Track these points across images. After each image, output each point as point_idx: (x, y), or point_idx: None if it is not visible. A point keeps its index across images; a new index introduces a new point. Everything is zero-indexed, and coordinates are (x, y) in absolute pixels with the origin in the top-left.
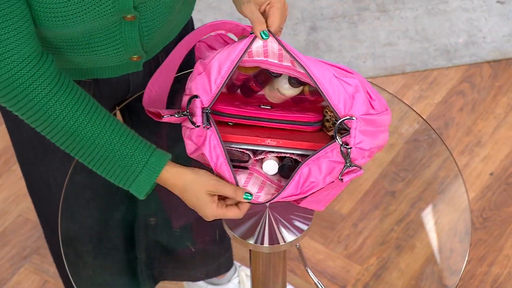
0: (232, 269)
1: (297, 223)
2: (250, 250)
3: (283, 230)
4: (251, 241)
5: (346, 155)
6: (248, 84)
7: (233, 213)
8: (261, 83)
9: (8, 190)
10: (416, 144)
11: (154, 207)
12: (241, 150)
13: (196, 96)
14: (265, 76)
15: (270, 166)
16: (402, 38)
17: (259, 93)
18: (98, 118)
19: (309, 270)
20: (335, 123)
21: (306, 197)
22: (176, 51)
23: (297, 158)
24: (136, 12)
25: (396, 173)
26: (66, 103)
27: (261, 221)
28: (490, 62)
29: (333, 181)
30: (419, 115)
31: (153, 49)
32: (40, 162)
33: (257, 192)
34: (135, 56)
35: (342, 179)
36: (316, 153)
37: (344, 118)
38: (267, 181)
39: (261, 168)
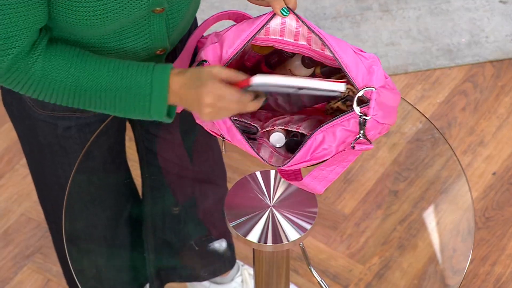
0: (235, 268)
1: (300, 222)
2: (253, 249)
3: (286, 229)
4: (255, 240)
5: (362, 125)
6: (259, 66)
7: (253, 104)
8: (272, 66)
9: (11, 189)
10: (419, 143)
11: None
12: (248, 123)
13: (205, 61)
14: (278, 57)
15: (278, 138)
16: (404, 38)
17: None
18: (92, 64)
19: (312, 269)
20: (343, 99)
21: (293, 174)
22: (190, 43)
23: (303, 132)
24: (166, 4)
25: (399, 172)
26: (59, 65)
27: (265, 220)
28: (493, 61)
29: (343, 150)
30: (422, 114)
31: (174, 41)
32: (58, 165)
33: (268, 159)
34: (160, 49)
35: (354, 147)
36: (333, 120)
37: (365, 88)
38: (275, 153)
39: (269, 140)
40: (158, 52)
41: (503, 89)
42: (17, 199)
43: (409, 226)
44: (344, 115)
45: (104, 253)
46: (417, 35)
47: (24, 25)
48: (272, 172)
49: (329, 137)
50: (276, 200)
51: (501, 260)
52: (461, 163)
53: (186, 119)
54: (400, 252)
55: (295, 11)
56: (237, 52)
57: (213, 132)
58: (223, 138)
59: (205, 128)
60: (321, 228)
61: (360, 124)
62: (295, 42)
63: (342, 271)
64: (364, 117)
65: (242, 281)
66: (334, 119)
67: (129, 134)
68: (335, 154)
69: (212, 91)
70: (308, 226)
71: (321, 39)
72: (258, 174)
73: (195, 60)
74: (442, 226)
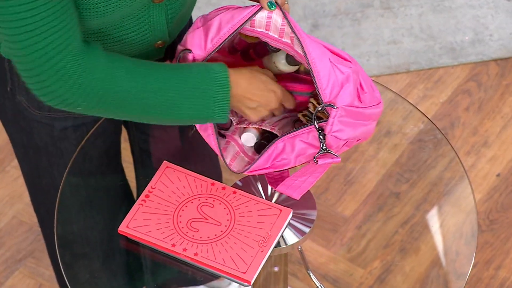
0: None
1: (299, 225)
2: None
3: (284, 232)
4: None
5: (322, 140)
6: (248, 51)
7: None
8: (258, 55)
9: (2, 191)
10: (421, 144)
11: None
12: None
13: (189, 50)
14: (263, 49)
15: (248, 138)
16: (406, 36)
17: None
18: (153, 68)
19: (311, 273)
20: (310, 115)
21: (281, 178)
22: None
23: (277, 133)
24: None
25: (401, 174)
26: (123, 68)
27: None
28: (497, 60)
29: (308, 162)
30: (424, 114)
31: (173, 33)
32: (54, 167)
33: (229, 162)
34: (159, 41)
35: (316, 161)
36: (294, 131)
37: (325, 105)
38: (241, 153)
39: (240, 137)
40: (157, 44)
41: (508, 88)
42: (8, 201)
43: (411, 228)
44: (304, 127)
45: (99, 257)
46: (419, 33)
47: (70, 11)
48: None
49: (288, 147)
50: (274, 202)
51: (505, 264)
52: (465, 164)
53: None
54: (402, 255)
55: (285, 9)
56: (221, 44)
57: None
58: (194, 127)
59: None
60: (320, 231)
61: (320, 138)
62: (279, 38)
63: (342, 275)
64: (320, 131)
65: (239, 286)
66: (294, 130)
67: (123, 135)
68: (296, 165)
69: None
70: (306, 230)
71: (300, 43)
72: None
73: (180, 44)
74: (445, 228)
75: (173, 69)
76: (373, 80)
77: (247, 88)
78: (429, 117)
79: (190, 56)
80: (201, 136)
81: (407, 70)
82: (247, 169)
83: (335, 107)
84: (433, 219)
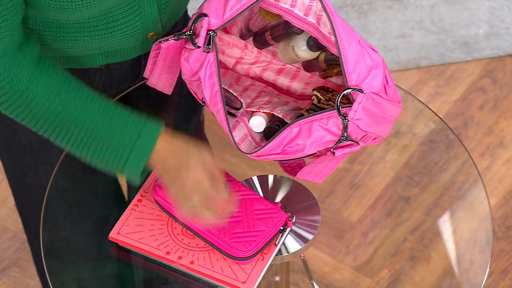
0: None
1: (301, 232)
2: None
3: (286, 239)
4: None
5: (344, 127)
6: (263, 33)
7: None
8: (276, 38)
9: None
10: (432, 145)
11: None
12: (236, 95)
13: (205, 15)
14: (283, 31)
15: (258, 122)
16: (416, 29)
17: (270, 49)
18: (83, 96)
19: (314, 283)
20: (316, 109)
21: (298, 166)
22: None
23: (288, 121)
24: None
25: (410, 177)
26: (47, 84)
27: None
28: None
29: (325, 154)
30: (435, 113)
31: (167, 24)
32: (39, 166)
33: (238, 141)
34: (151, 33)
35: (334, 152)
36: (312, 115)
37: (352, 88)
38: (249, 136)
39: (249, 121)
40: (150, 36)
41: None
42: None
43: (421, 235)
44: (324, 112)
45: (87, 265)
46: (430, 26)
47: (3, 17)
48: (270, 177)
49: (305, 132)
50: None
51: None
52: (479, 166)
53: (177, 118)
54: (412, 264)
55: None
56: (241, 12)
57: (195, 93)
58: (204, 102)
59: (190, 88)
60: (324, 238)
61: (343, 124)
62: (304, 17)
63: (348, 285)
64: (342, 116)
65: None
66: (313, 115)
67: None
68: (310, 153)
69: (197, 178)
70: (310, 236)
71: (330, 21)
72: (255, 179)
73: (197, 11)
74: (457, 235)
75: (104, 104)
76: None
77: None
78: (441, 116)
79: (205, 22)
80: (201, 139)
81: (417, 66)
82: (257, 151)
83: (362, 91)
84: (445, 225)
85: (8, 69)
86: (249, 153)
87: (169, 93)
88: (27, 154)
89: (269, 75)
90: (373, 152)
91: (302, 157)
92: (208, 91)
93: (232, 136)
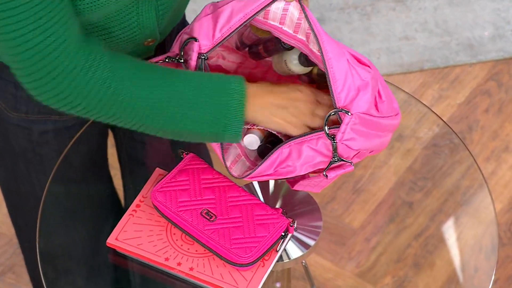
0: None
1: (303, 238)
2: None
3: (287, 245)
4: None
5: (334, 149)
6: (257, 47)
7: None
8: (268, 52)
9: None
10: (436, 149)
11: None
12: None
13: (195, 39)
14: (274, 46)
15: (252, 140)
16: (420, 31)
17: (267, 59)
18: (162, 71)
19: None
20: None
21: (295, 179)
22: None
23: (282, 138)
24: None
25: (414, 182)
26: (127, 69)
27: None
28: None
29: (314, 172)
30: (439, 117)
31: (164, 30)
32: (33, 174)
33: (230, 165)
34: (149, 39)
35: (326, 175)
36: (302, 136)
37: (338, 110)
38: (243, 156)
39: (243, 140)
40: (147, 42)
41: None
42: None
43: (425, 241)
44: (313, 133)
45: (84, 272)
46: (434, 28)
47: (61, 6)
48: (271, 182)
49: (295, 153)
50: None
51: None
52: (484, 171)
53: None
54: (416, 271)
55: (303, 3)
56: (231, 33)
57: None
58: None
59: None
60: (326, 244)
61: (332, 146)
62: (294, 34)
63: None
64: (330, 138)
65: None
66: (302, 136)
67: (111, 140)
68: (301, 174)
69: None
70: (311, 242)
71: (317, 40)
72: (255, 184)
73: (184, 32)
74: (462, 242)
75: (185, 75)
76: (383, 80)
77: (267, 95)
78: (445, 120)
79: (195, 46)
80: (198, 146)
81: (421, 69)
82: (249, 174)
83: (349, 113)
84: (450, 231)
85: (83, 63)
86: (241, 177)
87: None
88: (20, 163)
89: (272, 76)
90: (375, 156)
91: (295, 177)
92: None
93: (224, 160)
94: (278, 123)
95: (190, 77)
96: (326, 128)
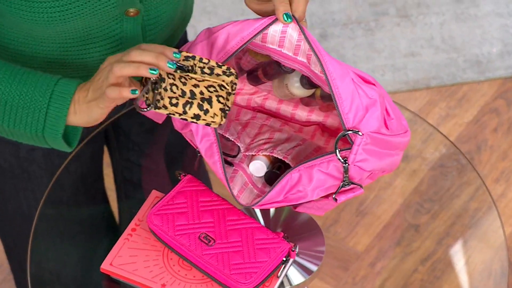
0: None
1: (305, 263)
2: None
3: (289, 271)
4: None
5: (345, 171)
6: (256, 72)
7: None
8: (268, 76)
9: None
10: (443, 170)
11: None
12: (233, 139)
13: None
14: (274, 69)
15: (258, 167)
16: (426, 48)
17: (266, 84)
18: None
19: None
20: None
21: (297, 205)
22: None
23: (290, 163)
24: (140, 6)
25: (420, 204)
26: None
27: None
28: None
29: (326, 197)
30: (446, 137)
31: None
32: (20, 192)
33: (237, 194)
34: (131, 9)
35: (336, 199)
36: (311, 160)
37: (348, 131)
38: (250, 184)
39: (248, 166)
40: (128, 13)
41: None
42: None
43: (432, 266)
44: (324, 156)
45: None
46: (440, 44)
47: None
48: None
49: (305, 178)
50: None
51: None
52: (493, 193)
53: (171, 147)
54: None
55: (302, 25)
56: (227, 59)
57: (190, 141)
58: (199, 152)
59: (185, 137)
60: (329, 269)
61: (344, 168)
62: (294, 57)
63: None
64: (342, 161)
65: None
66: (312, 160)
67: (107, 160)
68: (313, 199)
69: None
70: (314, 268)
71: (319, 61)
72: None
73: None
74: (471, 266)
75: (14, 71)
76: (390, 97)
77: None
78: (452, 140)
79: None
80: (193, 165)
81: (427, 86)
82: (257, 202)
83: (360, 133)
84: (458, 255)
85: None
86: (250, 205)
87: (160, 122)
88: (8, 179)
89: (271, 103)
90: (380, 177)
91: (306, 202)
92: (202, 143)
93: (230, 189)
94: (99, 111)
95: (18, 72)
96: (337, 152)
